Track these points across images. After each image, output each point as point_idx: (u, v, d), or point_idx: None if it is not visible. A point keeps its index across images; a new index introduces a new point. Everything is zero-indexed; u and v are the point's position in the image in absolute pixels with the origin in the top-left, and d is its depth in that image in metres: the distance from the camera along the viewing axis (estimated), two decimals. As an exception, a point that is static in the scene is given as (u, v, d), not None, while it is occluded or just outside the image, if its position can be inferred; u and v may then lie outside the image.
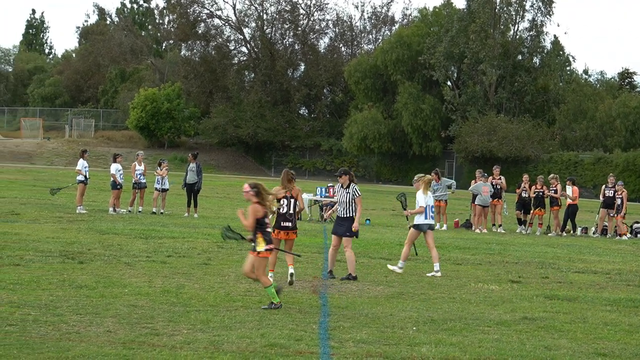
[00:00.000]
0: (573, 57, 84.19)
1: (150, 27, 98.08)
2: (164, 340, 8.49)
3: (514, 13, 66.33)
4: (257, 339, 8.63)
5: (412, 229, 14.60)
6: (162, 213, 24.71)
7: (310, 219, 25.90)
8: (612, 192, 25.17)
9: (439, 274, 14.18)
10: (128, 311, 9.79)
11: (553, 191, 25.28)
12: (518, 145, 59.76)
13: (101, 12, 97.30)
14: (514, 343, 9.02)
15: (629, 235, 25.46)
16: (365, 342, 8.74)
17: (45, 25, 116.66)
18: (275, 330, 9.08)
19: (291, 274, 12.48)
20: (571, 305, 11.66)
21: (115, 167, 24.30)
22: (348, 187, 13.70)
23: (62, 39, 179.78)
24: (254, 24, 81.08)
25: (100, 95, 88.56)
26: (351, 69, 69.52)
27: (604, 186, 25.88)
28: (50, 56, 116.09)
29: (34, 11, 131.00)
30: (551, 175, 26.31)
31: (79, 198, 23.78)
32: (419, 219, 14.42)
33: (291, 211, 12.66)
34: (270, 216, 11.38)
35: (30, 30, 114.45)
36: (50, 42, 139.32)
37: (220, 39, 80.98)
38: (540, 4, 65.69)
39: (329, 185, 27.07)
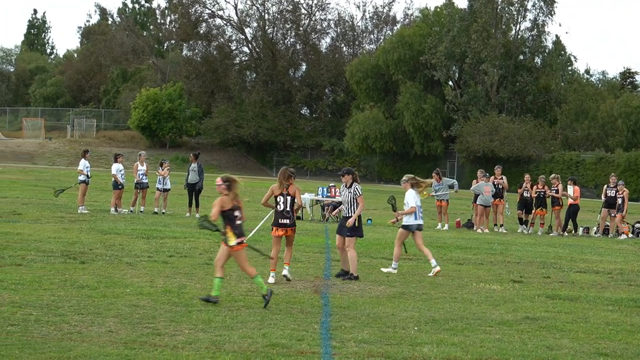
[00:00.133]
0: (575, 57, 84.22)
1: (151, 27, 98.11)
2: (165, 340, 8.49)
3: (515, 13, 66.36)
4: (258, 339, 8.63)
5: (401, 229, 14.57)
6: (163, 213, 24.72)
7: (312, 219, 25.89)
8: (614, 191, 25.17)
9: (437, 267, 14.21)
10: (130, 311, 9.80)
11: (554, 191, 25.27)
12: (520, 145, 59.77)
13: (103, 12, 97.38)
14: (516, 343, 9.01)
15: (630, 235, 25.46)
16: (367, 342, 8.73)
17: (46, 25, 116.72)
18: (277, 330, 9.08)
19: (284, 275, 12.51)
20: (573, 305, 11.65)
21: (116, 168, 24.32)
22: (350, 186, 13.72)
23: (64, 39, 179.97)
24: (255, 24, 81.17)
25: (102, 95, 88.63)
26: (353, 68, 69.53)
27: (605, 186, 25.87)
28: (52, 56, 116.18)
29: (35, 11, 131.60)
30: (552, 175, 26.32)
31: (80, 198, 23.79)
32: (409, 219, 14.40)
33: (288, 208, 12.65)
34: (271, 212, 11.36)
35: (32, 30, 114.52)
36: (52, 42, 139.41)
37: (221, 39, 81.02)
38: (542, 3, 65.70)
39: (330, 185, 27.05)
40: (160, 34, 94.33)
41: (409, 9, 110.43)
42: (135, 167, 24.95)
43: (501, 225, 25.34)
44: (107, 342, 8.29)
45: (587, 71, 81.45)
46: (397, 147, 67.45)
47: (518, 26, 66.91)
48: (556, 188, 25.27)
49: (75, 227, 19.08)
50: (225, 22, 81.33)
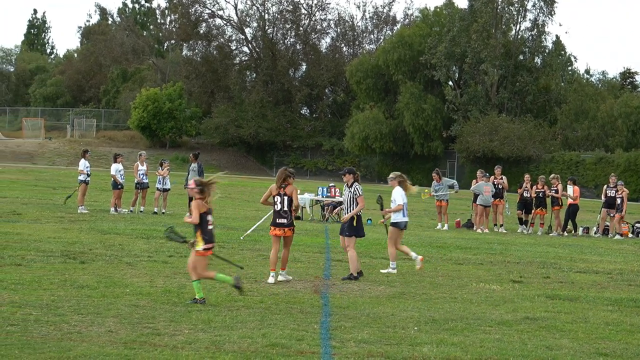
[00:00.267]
0: (575, 57, 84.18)
1: (151, 27, 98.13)
2: (165, 340, 8.49)
3: (515, 13, 66.34)
4: (258, 339, 8.63)
5: (391, 227, 14.51)
6: (163, 213, 24.72)
7: (312, 219, 25.89)
8: (614, 192, 25.17)
9: (419, 257, 14.34)
10: (129, 311, 9.80)
11: (554, 191, 25.28)
12: (520, 145, 59.77)
13: (103, 12, 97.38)
14: (516, 343, 9.01)
15: (630, 235, 25.46)
16: (367, 342, 8.73)
17: (46, 25, 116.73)
18: (277, 330, 9.08)
19: (278, 276, 12.56)
20: (573, 305, 11.65)
21: (115, 168, 24.33)
22: (351, 186, 13.73)
23: (64, 39, 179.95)
24: (255, 24, 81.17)
25: (102, 95, 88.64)
26: (353, 68, 69.53)
27: (605, 186, 25.87)
28: (52, 56, 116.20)
29: (35, 11, 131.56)
30: (552, 175, 26.33)
31: (80, 198, 23.80)
32: (398, 217, 14.36)
33: (285, 208, 12.68)
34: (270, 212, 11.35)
35: (32, 30, 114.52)
36: (52, 42, 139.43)
37: (221, 39, 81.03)
38: (542, 3, 65.67)
39: (330, 185, 27.06)
40: (160, 34, 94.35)
41: (409, 9, 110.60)
42: (136, 167, 24.95)
43: (501, 225, 25.34)
44: (106, 342, 8.29)
45: (587, 71, 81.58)
46: (397, 147, 67.46)
47: (518, 26, 66.94)
48: (556, 188, 25.28)
49: (75, 227, 19.08)
50: (225, 22, 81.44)
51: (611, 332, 9.89)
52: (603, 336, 9.61)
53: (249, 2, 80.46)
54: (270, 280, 12.53)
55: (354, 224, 13.57)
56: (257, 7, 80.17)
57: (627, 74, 77.51)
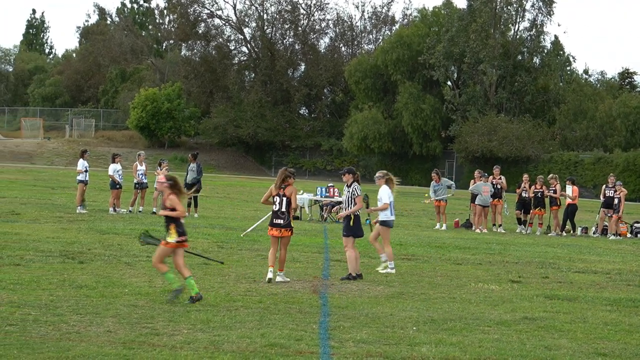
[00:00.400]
0: (573, 57, 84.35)
1: (150, 27, 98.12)
2: (164, 340, 8.49)
3: (514, 13, 66.37)
4: (257, 339, 8.63)
5: (381, 226, 14.43)
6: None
7: (311, 219, 25.89)
8: (613, 192, 25.16)
9: (387, 263, 14.25)
10: (128, 311, 9.80)
11: (552, 191, 25.28)
12: (518, 145, 59.79)
13: (101, 12, 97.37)
14: (514, 343, 9.02)
15: (629, 235, 25.47)
16: (366, 342, 8.74)
17: (45, 25, 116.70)
18: (276, 330, 9.08)
19: (269, 278, 12.57)
20: (571, 305, 11.66)
21: (113, 168, 24.32)
22: (350, 185, 13.75)
23: (63, 39, 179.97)
24: (254, 24, 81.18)
25: (101, 95, 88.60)
26: (351, 68, 69.52)
27: (604, 186, 25.85)
28: (51, 56, 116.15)
29: (34, 11, 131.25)
30: (550, 175, 26.33)
31: (79, 198, 23.78)
32: (386, 215, 14.31)
33: (283, 209, 12.71)
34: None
35: (31, 30, 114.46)
36: (51, 42, 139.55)
37: (220, 39, 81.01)
38: (541, 4, 65.69)
39: (329, 185, 27.06)
40: (159, 34, 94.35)
41: (407, 9, 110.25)
42: (135, 167, 24.95)
43: (500, 225, 25.35)
44: (105, 342, 8.29)
45: (586, 71, 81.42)
46: (396, 147, 67.45)
47: (517, 26, 66.95)
48: (554, 188, 25.28)
49: (74, 227, 19.07)
50: (224, 22, 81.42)
51: (610, 332, 9.89)
52: (602, 336, 9.62)
53: (247, 2, 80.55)
54: (269, 275, 12.62)
55: (351, 224, 13.56)
56: (256, 7, 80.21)
57: (625, 74, 77.52)
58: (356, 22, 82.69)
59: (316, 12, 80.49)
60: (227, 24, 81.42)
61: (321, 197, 26.22)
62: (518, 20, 66.53)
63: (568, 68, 74.10)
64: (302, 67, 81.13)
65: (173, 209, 10.72)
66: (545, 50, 67.40)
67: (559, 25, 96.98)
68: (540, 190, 25.28)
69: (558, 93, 66.83)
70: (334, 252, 16.65)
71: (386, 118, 67.42)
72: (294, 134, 74.73)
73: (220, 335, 8.73)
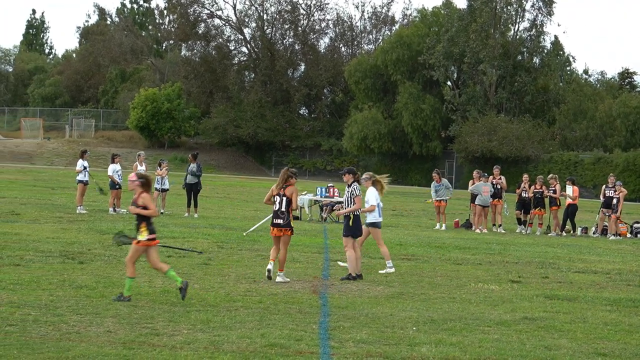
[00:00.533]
0: (573, 57, 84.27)
1: (150, 27, 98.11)
2: (164, 340, 8.49)
3: (514, 13, 66.37)
4: (257, 339, 8.63)
5: (371, 228, 14.39)
6: (162, 213, 24.68)
7: (311, 219, 25.89)
8: (613, 192, 25.15)
9: (392, 269, 14.24)
10: (128, 311, 9.80)
11: (552, 191, 25.28)
12: (518, 145, 59.79)
13: (101, 12, 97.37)
14: (514, 343, 9.02)
15: (629, 235, 25.46)
16: (366, 342, 8.74)
17: (45, 26, 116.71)
18: (276, 330, 9.08)
19: (268, 269, 12.69)
20: (571, 305, 11.66)
21: (112, 168, 24.33)
22: (350, 185, 13.76)
23: (63, 39, 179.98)
24: (254, 24, 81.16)
25: (101, 96, 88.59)
26: (351, 68, 69.52)
27: (604, 186, 25.84)
28: (51, 56, 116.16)
29: (34, 11, 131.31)
30: (550, 175, 26.32)
31: (79, 198, 23.79)
32: (374, 217, 14.28)
33: (283, 209, 12.76)
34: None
35: (31, 31, 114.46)
36: (51, 42, 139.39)
37: (220, 39, 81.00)
38: (541, 4, 65.70)
39: (329, 185, 27.06)
40: (159, 34, 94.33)
41: (407, 9, 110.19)
42: (135, 168, 24.93)
43: (499, 226, 25.34)
44: (105, 342, 8.29)
45: (586, 71, 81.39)
46: (396, 147, 67.45)
47: (517, 26, 66.96)
48: (554, 188, 25.28)
49: (74, 227, 19.07)
50: (223, 23, 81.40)
51: (610, 332, 9.89)
52: (601, 336, 9.62)
53: (247, 2, 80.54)
54: (269, 266, 12.78)
55: (350, 224, 13.57)
56: (256, 7, 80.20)
57: (625, 74, 77.51)
58: (356, 22, 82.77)
59: (316, 12, 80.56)
60: (227, 24, 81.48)
61: (321, 197, 26.21)
62: (518, 20, 66.56)
63: (568, 68, 74.10)
64: (302, 67, 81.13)
65: (145, 208, 10.72)
66: (545, 51, 67.41)
67: (558, 25, 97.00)
68: (540, 190, 25.27)
69: (558, 93, 66.83)
70: (333, 252, 16.65)
71: (386, 118, 67.41)
72: (294, 134, 74.73)
73: (220, 336, 8.74)
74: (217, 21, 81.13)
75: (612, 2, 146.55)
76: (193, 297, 10.86)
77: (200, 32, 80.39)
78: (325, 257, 16.08)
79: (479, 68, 64.02)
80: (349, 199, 13.68)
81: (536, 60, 67.27)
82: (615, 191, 24.94)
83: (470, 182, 25.85)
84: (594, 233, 25.58)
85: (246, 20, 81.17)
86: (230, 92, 77.51)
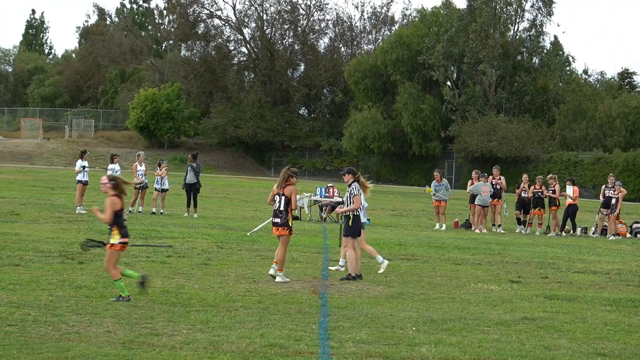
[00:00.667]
0: (573, 57, 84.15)
1: (150, 27, 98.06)
2: (163, 340, 8.49)
3: (513, 13, 66.37)
4: (256, 339, 8.63)
5: None
6: (161, 213, 24.71)
7: (310, 219, 25.88)
8: (612, 192, 25.15)
9: (385, 262, 14.26)
10: (128, 311, 9.80)
11: (551, 191, 25.28)
12: (518, 145, 59.80)
13: (101, 12, 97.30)
14: (514, 343, 9.02)
15: (628, 235, 25.47)
16: (365, 342, 8.74)
17: (45, 26, 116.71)
18: (275, 331, 9.08)
19: (271, 275, 12.77)
20: (571, 305, 11.66)
21: (111, 168, 24.30)
22: (350, 185, 13.80)
23: (62, 39, 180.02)
24: (253, 24, 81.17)
25: (100, 96, 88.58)
26: (351, 69, 69.52)
27: (604, 186, 25.84)
28: (50, 56, 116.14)
29: (33, 11, 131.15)
30: (550, 175, 26.32)
31: (78, 198, 23.78)
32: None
33: (281, 208, 12.81)
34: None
35: (30, 31, 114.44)
36: (50, 43, 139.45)
37: (220, 39, 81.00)
38: (541, 4, 65.72)
39: (328, 185, 27.06)
40: (159, 34, 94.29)
41: (407, 9, 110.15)
42: (135, 168, 24.95)
43: (499, 226, 25.34)
44: (105, 342, 8.29)
45: (585, 71, 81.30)
46: (395, 148, 67.45)
47: (516, 26, 67.00)
48: (553, 188, 25.28)
49: (73, 228, 19.07)
50: (223, 23, 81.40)
51: (609, 332, 9.89)
52: (601, 336, 9.62)
53: (247, 3, 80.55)
54: (271, 271, 12.83)
55: (350, 223, 13.59)
56: (256, 8, 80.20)
57: (625, 74, 77.50)
58: (356, 23, 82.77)
59: (316, 13, 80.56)
60: (226, 24, 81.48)
61: (321, 197, 26.21)
62: (517, 20, 66.58)
63: (567, 68, 74.08)
64: (302, 68, 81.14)
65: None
66: (545, 51, 67.42)
67: (558, 25, 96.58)
68: (540, 190, 25.27)
69: (557, 93, 66.84)
70: (333, 253, 16.64)
71: (386, 118, 67.41)
72: (294, 134, 74.72)
73: (219, 336, 8.73)
74: (216, 21, 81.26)
75: (612, 2, 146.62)
76: (192, 297, 10.86)
77: (199, 32, 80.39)
78: (324, 257, 16.08)
79: (478, 68, 64.03)
80: (349, 198, 13.71)
81: (536, 60, 67.29)
82: (614, 191, 24.95)
83: (469, 182, 25.85)
84: (593, 233, 25.58)
85: (246, 20, 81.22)
86: (229, 92, 77.50)
